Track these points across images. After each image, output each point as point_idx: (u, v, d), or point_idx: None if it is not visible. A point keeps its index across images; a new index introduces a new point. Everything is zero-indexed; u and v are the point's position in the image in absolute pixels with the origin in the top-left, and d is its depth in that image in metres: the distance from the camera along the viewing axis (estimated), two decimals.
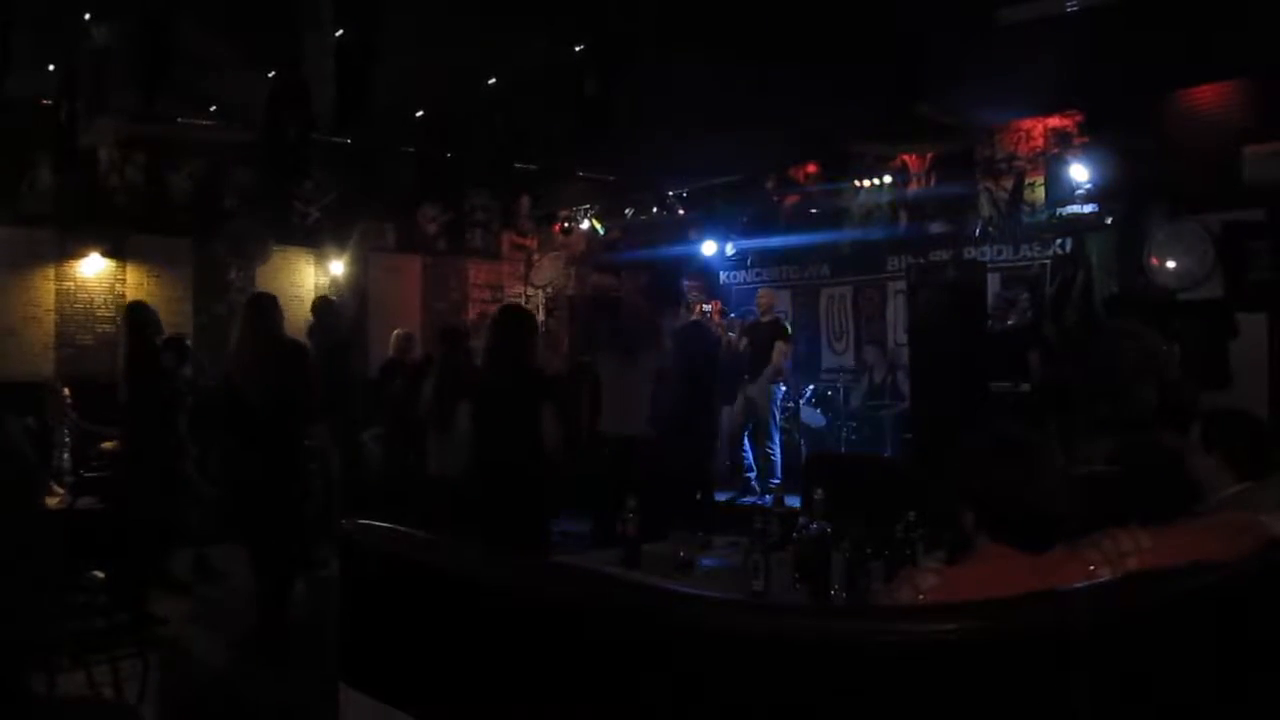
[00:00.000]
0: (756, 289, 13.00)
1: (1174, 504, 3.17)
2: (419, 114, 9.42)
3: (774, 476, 10.42)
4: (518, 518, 5.54)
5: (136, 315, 7.55)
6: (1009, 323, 9.42)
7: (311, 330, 9.52)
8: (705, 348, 9.50)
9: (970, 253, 10.68)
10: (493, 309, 12.85)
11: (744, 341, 10.79)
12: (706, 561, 4.44)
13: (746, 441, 10.73)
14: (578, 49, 7.44)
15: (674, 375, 8.63)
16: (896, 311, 11.43)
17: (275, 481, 6.17)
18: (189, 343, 8.98)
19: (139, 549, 6.53)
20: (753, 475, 10.63)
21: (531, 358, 5.94)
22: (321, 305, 10.09)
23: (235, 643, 6.50)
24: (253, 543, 6.31)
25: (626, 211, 13.28)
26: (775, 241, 12.48)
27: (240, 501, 6.39)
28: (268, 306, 6.47)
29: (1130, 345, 7.55)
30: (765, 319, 11.02)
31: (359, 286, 12.01)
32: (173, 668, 5.79)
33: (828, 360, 12.27)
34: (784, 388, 10.95)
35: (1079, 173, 9.55)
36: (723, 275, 13.62)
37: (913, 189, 11.21)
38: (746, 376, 10.55)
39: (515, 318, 6.08)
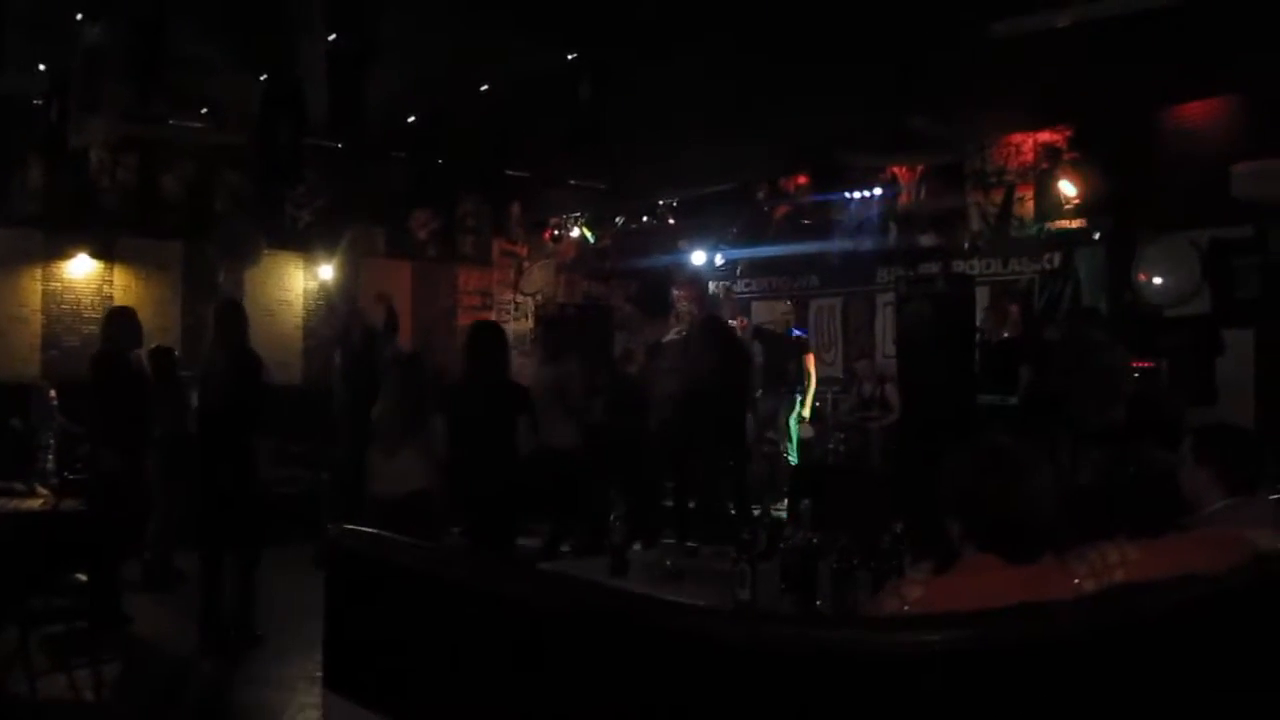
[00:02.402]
0: (746, 300, 13.05)
1: (1162, 517, 3.17)
2: (411, 119, 9.41)
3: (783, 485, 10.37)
4: (488, 532, 5.61)
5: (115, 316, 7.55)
6: (1000, 336, 9.44)
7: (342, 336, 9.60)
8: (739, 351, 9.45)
9: (960, 266, 10.70)
10: (484, 315, 12.89)
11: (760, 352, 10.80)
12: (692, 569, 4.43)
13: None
14: (570, 56, 7.45)
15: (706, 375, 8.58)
16: (885, 323, 11.45)
17: (228, 484, 6.45)
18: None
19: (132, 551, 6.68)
20: None
21: (506, 371, 6.05)
22: (346, 310, 10.22)
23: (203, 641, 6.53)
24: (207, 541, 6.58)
25: (617, 220, 13.29)
26: (765, 251, 12.50)
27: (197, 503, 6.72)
28: (231, 313, 6.79)
29: (1094, 359, 7.61)
30: (780, 331, 11.08)
31: (349, 291, 11.99)
32: (149, 668, 5.77)
33: (816, 371, 12.28)
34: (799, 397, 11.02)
35: (1068, 188, 9.59)
36: (712, 285, 13.64)
37: (903, 201, 11.24)
38: (761, 389, 10.58)
39: (490, 333, 6.20)
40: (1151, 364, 8.65)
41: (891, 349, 10.67)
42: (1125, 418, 7.57)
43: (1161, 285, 8.93)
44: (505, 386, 6.03)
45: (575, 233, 13.46)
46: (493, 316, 13.26)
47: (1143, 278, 9.01)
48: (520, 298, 13.67)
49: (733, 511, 8.77)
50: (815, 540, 3.83)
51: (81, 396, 7.81)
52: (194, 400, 7.23)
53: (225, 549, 6.56)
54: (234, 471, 6.48)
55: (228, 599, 6.56)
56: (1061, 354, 8.09)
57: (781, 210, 12.37)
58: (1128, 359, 7.96)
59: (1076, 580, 2.26)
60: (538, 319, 13.56)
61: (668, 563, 4.36)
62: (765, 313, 12.39)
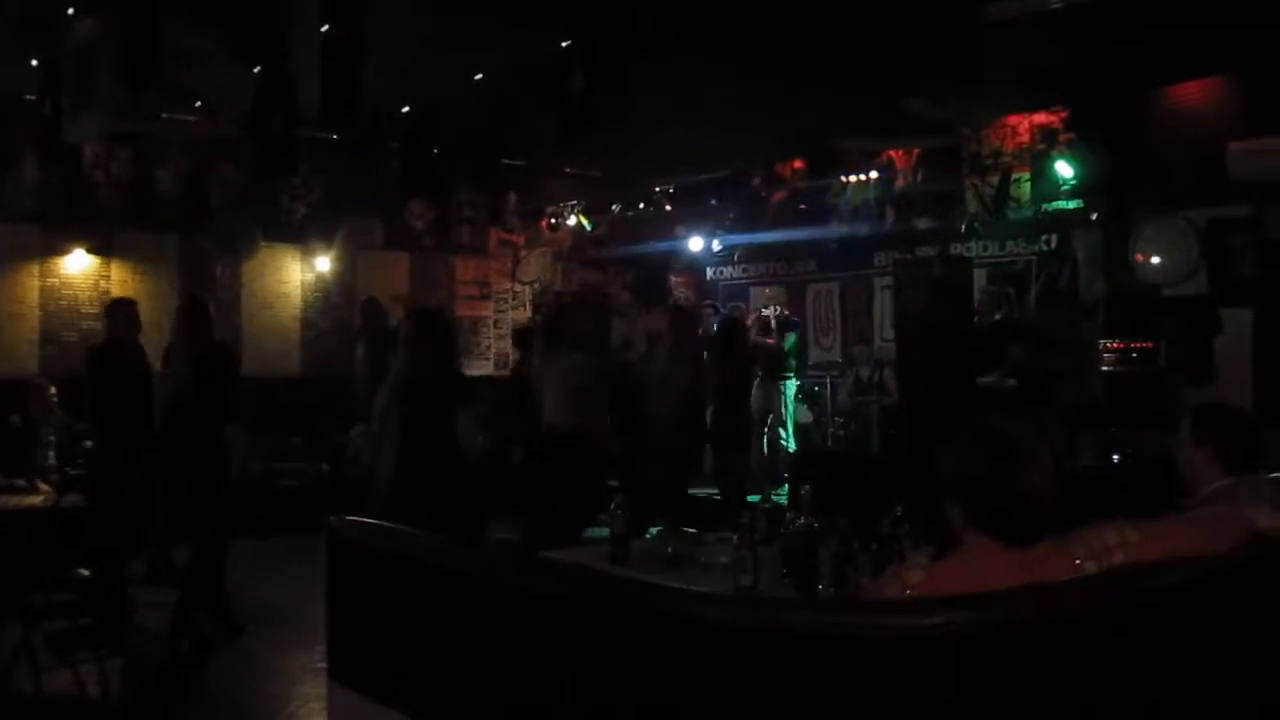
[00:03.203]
0: (744, 285, 13.05)
1: (1161, 498, 3.18)
2: (406, 110, 9.39)
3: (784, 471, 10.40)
4: (449, 525, 5.54)
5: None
6: (995, 318, 9.45)
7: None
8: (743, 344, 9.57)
9: (957, 249, 10.70)
10: (482, 305, 12.89)
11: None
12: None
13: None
14: (564, 44, 7.43)
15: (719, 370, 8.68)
16: (883, 307, 11.46)
17: (192, 475, 6.45)
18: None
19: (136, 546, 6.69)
20: None
21: (453, 361, 5.95)
22: (368, 306, 10.24)
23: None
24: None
25: (613, 207, 13.26)
26: (762, 237, 12.49)
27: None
28: (195, 310, 6.81)
29: (1060, 339, 7.66)
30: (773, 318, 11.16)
31: (345, 282, 11.99)
32: (153, 663, 5.78)
33: (814, 356, 12.30)
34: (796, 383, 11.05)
35: (1065, 169, 9.58)
36: (709, 271, 13.63)
37: (899, 185, 11.23)
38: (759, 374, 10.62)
39: (431, 321, 6.02)
40: (1149, 344, 8.67)
41: (890, 333, 10.68)
42: (1105, 396, 7.61)
43: (1159, 265, 8.93)
44: (448, 380, 5.81)
45: (572, 221, 13.43)
46: (490, 306, 13.26)
47: (1140, 258, 9.01)
48: (518, 286, 13.66)
49: (718, 498, 8.87)
50: (816, 525, 3.84)
51: (80, 390, 7.84)
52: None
53: (195, 543, 6.57)
54: (202, 467, 6.46)
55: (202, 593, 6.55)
56: (1035, 338, 8.15)
57: (778, 195, 12.36)
58: (1091, 335, 7.99)
59: (1077, 562, 2.26)
60: (535, 307, 13.56)
61: (669, 549, 4.36)
62: (762, 299, 12.42)
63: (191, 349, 6.63)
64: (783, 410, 10.85)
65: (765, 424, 10.70)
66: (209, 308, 7.02)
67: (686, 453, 8.68)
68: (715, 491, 9.12)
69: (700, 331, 9.56)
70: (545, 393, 8.07)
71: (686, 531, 4.80)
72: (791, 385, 11.00)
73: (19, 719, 5.15)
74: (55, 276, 10.45)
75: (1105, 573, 2.23)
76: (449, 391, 5.68)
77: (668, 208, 12.99)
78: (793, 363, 11.04)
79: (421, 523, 4.61)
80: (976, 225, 10.61)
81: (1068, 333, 7.72)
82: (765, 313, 11.23)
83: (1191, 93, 8.98)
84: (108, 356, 6.89)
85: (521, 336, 9.85)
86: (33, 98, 8.15)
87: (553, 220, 13.52)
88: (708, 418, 8.77)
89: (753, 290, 13.00)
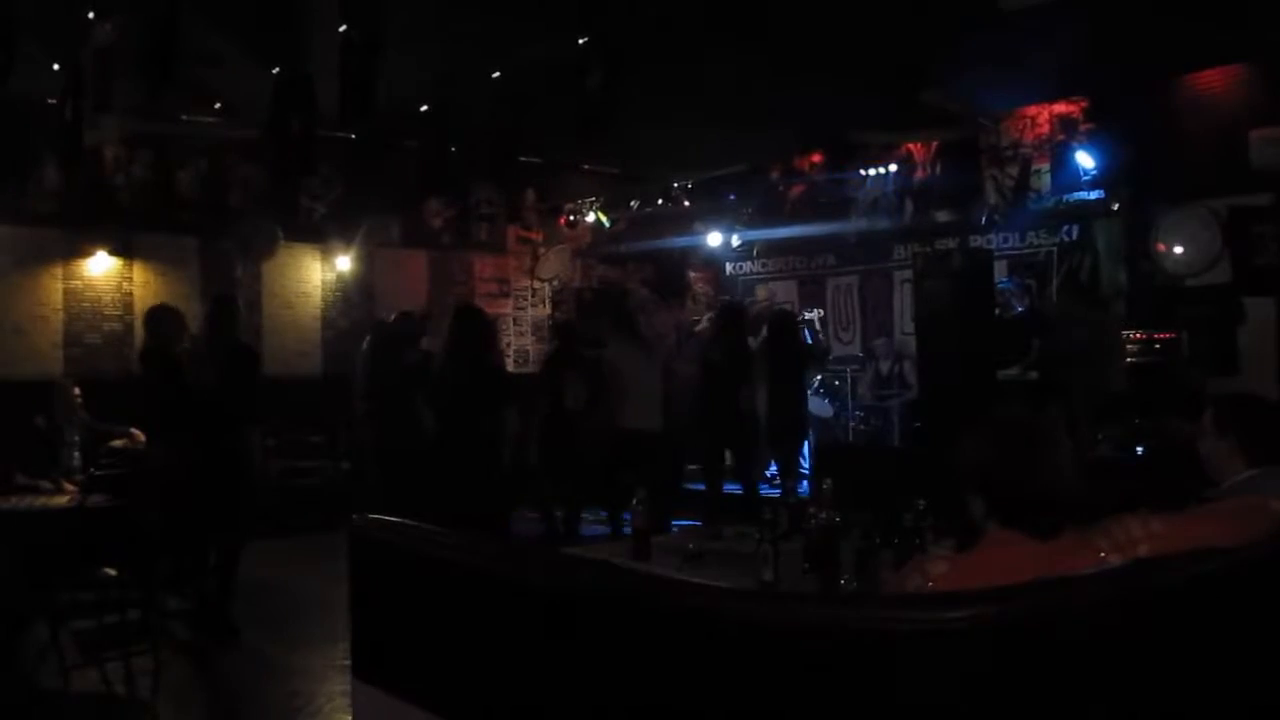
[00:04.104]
0: (763, 280, 13.03)
1: (1185, 489, 3.16)
2: (423, 108, 9.41)
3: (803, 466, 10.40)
4: (475, 518, 5.58)
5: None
6: (1016, 310, 9.41)
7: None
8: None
9: (977, 241, 10.66)
10: (500, 302, 12.91)
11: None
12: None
13: None
14: (581, 41, 7.43)
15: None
16: (903, 301, 11.42)
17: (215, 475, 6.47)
18: None
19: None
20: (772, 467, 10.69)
21: (493, 356, 5.96)
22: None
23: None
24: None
25: (631, 204, 13.26)
26: (781, 232, 12.45)
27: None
28: (225, 308, 6.93)
29: (1082, 332, 7.61)
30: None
31: (364, 282, 12.03)
32: (179, 660, 5.82)
33: (835, 350, 12.25)
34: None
35: (1085, 159, 9.53)
36: (728, 267, 13.61)
37: (918, 177, 11.18)
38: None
39: (471, 316, 6.02)
40: (1172, 334, 8.62)
41: (909, 326, 10.64)
42: (1130, 387, 7.57)
43: (1181, 255, 8.87)
44: (491, 374, 5.83)
45: (590, 218, 13.44)
46: (509, 303, 13.28)
47: (1162, 248, 8.96)
48: (537, 284, 13.68)
49: (741, 493, 8.89)
50: (838, 519, 3.84)
51: (103, 391, 7.91)
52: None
53: (213, 542, 6.64)
54: (227, 466, 6.52)
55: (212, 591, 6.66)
56: (1056, 329, 8.11)
57: (796, 190, 12.33)
58: (1116, 328, 7.95)
59: (1101, 554, 2.25)
60: (555, 304, 13.58)
61: (690, 545, 4.37)
62: (781, 295, 12.42)
63: (215, 348, 6.68)
64: None
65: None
66: (237, 307, 7.11)
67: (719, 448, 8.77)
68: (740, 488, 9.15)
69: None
70: (623, 390, 8.14)
71: (707, 527, 4.81)
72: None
73: (46, 717, 5.20)
74: (78, 279, 10.52)
75: (1129, 565, 2.22)
76: (486, 387, 5.72)
77: (686, 203, 12.99)
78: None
79: (452, 516, 4.67)
80: (996, 217, 10.57)
81: (1088, 323, 7.68)
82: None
83: (1213, 81, 8.92)
84: (165, 361, 6.95)
85: (561, 330, 9.94)
86: (54, 101, 8.20)
87: (571, 217, 13.53)
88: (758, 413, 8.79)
89: (756, 286, 13.02)
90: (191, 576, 7.32)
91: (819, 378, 11.61)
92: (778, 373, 8.81)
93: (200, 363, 6.76)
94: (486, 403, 5.69)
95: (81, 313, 10.52)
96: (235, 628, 6.53)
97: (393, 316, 9.87)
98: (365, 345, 9.62)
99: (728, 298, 12.19)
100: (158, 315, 7.21)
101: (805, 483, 9.36)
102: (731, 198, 12.67)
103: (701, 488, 9.03)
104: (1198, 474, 3.38)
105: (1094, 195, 9.74)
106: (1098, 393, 7.75)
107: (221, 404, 6.52)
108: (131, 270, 10.78)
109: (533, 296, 13.67)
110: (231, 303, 7.15)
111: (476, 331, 5.84)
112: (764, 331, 9.40)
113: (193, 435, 6.62)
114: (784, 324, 9.42)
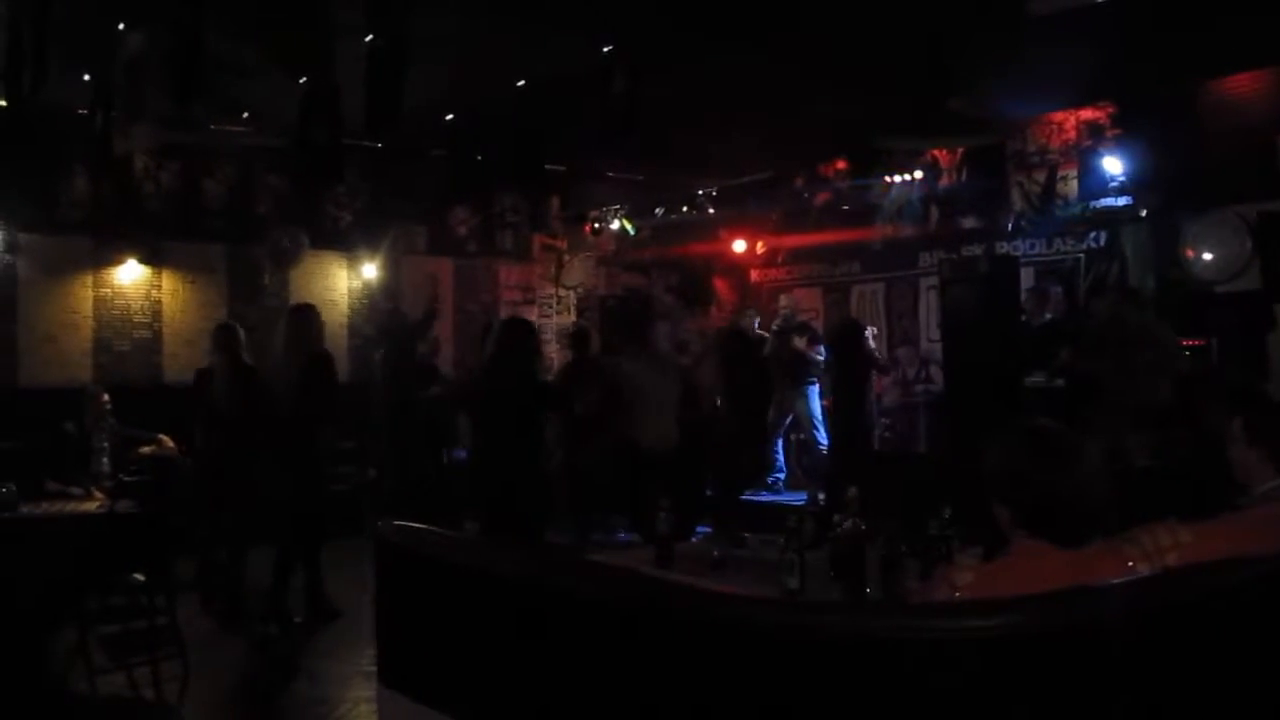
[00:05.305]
0: (788, 288, 13.00)
1: (1214, 498, 3.13)
2: (449, 117, 9.45)
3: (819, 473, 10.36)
4: (513, 531, 5.61)
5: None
6: (1044, 317, 9.34)
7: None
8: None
9: (1003, 247, 10.60)
10: (525, 310, 12.93)
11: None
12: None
13: (780, 441, 10.76)
14: (606, 49, 7.44)
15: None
16: (929, 308, 11.37)
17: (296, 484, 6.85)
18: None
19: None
20: (781, 475, 10.65)
21: (534, 369, 6.05)
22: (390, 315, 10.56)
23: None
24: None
25: (656, 211, 13.26)
26: (805, 239, 12.43)
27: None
28: (305, 317, 7.14)
29: (1139, 339, 7.50)
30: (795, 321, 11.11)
31: (390, 289, 12.08)
32: (205, 665, 5.85)
33: None
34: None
35: (1112, 165, 9.47)
36: (753, 273, 13.59)
37: (944, 184, 11.14)
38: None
39: (518, 329, 6.08)
40: (1201, 341, 8.53)
41: (935, 334, 10.59)
42: (1173, 397, 7.45)
43: (1210, 261, 8.80)
44: (532, 386, 5.91)
45: (615, 225, 13.45)
46: (534, 311, 13.30)
47: (1190, 254, 8.89)
48: (562, 291, 13.69)
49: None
50: (864, 527, 3.82)
51: (128, 397, 8.04)
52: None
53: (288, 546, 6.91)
54: (301, 475, 6.81)
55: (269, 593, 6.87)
56: (1102, 334, 7.99)
57: (821, 197, 12.31)
58: (1174, 338, 7.84)
59: (1130, 564, 2.24)
60: (580, 312, 13.59)
61: (715, 553, 4.36)
62: (805, 301, 12.38)
63: (302, 358, 6.86)
64: (806, 412, 10.77)
65: (781, 426, 10.70)
66: (318, 313, 7.32)
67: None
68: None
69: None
70: (642, 403, 8.15)
71: (732, 534, 4.80)
72: (815, 388, 10.87)
73: None
74: (107, 287, 10.61)
75: (1158, 573, 2.20)
76: (530, 399, 5.79)
77: (710, 210, 12.98)
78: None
79: (492, 524, 4.69)
80: (1023, 223, 10.51)
81: (1137, 332, 7.55)
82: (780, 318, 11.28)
83: (1240, 85, 8.84)
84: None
85: (574, 338, 9.93)
86: (84, 111, 8.29)
87: (595, 225, 13.54)
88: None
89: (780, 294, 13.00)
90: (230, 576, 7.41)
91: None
92: (841, 381, 8.81)
93: (280, 370, 6.96)
94: (530, 414, 5.76)
95: (111, 320, 10.62)
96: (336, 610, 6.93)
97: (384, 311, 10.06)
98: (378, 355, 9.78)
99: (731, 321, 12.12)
100: (306, 314, 7.27)
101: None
102: (756, 205, 12.65)
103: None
104: (1227, 483, 3.34)
105: (1121, 201, 9.68)
106: (1144, 402, 7.59)
107: (307, 410, 6.76)
108: (160, 278, 10.87)
109: (558, 304, 13.69)
110: (313, 311, 7.32)
111: (523, 343, 5.91)
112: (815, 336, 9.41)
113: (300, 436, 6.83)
114: (850, 333, 9.38)
